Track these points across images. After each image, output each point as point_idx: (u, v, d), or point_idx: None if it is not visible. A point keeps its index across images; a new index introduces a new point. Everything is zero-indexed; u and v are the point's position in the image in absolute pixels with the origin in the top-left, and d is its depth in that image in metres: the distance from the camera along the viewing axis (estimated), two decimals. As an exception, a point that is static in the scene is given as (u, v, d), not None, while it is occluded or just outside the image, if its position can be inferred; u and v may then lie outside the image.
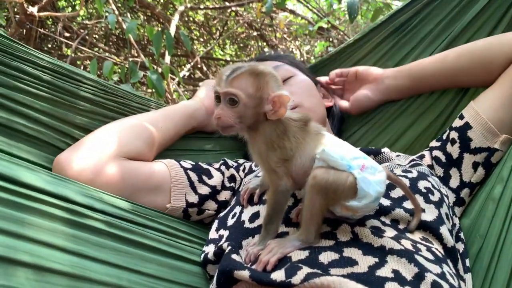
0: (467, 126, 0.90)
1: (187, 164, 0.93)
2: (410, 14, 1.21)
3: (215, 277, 0.68)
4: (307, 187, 0.64)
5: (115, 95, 0.98)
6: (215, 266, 0.73)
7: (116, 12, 3.02)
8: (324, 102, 1.14)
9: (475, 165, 0.89)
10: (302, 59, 3.81)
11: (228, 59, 3.93)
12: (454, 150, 0.92)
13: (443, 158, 0.93)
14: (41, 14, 2.31)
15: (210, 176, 0.93)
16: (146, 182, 0.85)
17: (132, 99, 1.02)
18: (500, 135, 0.87)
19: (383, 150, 0.95)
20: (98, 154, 0.82)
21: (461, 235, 0.82)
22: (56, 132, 0.85)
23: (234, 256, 0.67)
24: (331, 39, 3.39)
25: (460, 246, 0.79)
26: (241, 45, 4.00)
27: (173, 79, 2.95)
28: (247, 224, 0.75)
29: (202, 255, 0.78)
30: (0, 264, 0.48)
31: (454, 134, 0.93)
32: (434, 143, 0.99)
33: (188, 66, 3.46)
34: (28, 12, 2.22)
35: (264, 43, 3.84)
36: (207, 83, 1.14)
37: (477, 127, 0.89)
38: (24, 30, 2.79)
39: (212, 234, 0.82)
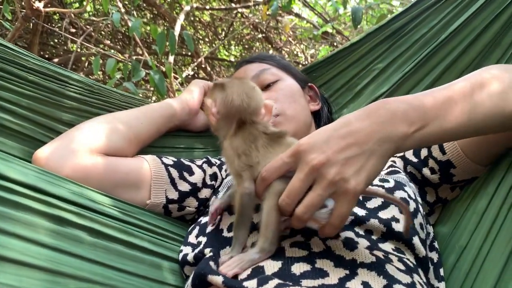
0: (449, 165, 0.84)
1: (169, 160, 0.93)
2: (407, 19, 1.23)
3: (190, 278, 0.69)
4: (266, 194, 0.65)
5: (101, 95, 1.00)
6: (193, 268, 0.74)
7: (122, 10, 3.05)
8: (310, 107, 1.12)
9: (453, 188, 0.87)
10: (306, 62, 3.83)
11: (233, 60, 3.95)
12: (433, 178, 0.86)
13: (419, 176, 0.89)
14: (47, 9, 2.34)
15: (191, 173, 0.93)
16: (126, 178, 0.85)
17: (118, 98, 1.04)
18: (485, 168, 0.81)
19: None
20: (76, 149, 0.82)
21: (435, 244, 0.82)
22: (42, 128, 0.87)
23: (211, 263, 0.67)
24: (335, 44, 3.40)
25: (435, 256, 0.79)
26: (246, 46, 4.02)
27: (176, 78, 2.98)
28: (225, 233, 0.75)
29: (181, 255, 0.78)
30: None
31: (433, 164, 0.86)
32: (409, 155, 0.91)
33: (193, 65, 3.49)
34: (34, 7, 2.25)
35: (269, 45, 3.86)
36: (195, 83, 1.14)
37: (462, 167, 0.83)
38: (31, 24, 2.83)
39: (192, 239, 0.82)
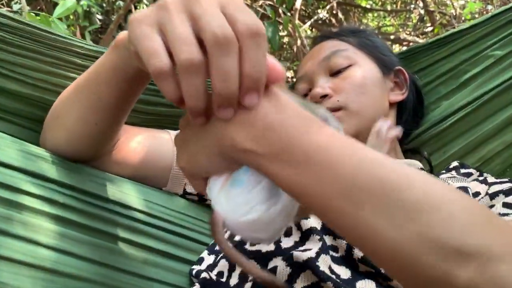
0: None
1: None
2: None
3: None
4: None
5: None
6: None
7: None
8: (390, 96, 0.94)
9: None
10: (454, 13, 3.33)
11: (368, 7, 3.62)
12: None
13: None
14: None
15: None
16: (148, 167, 0.77)
17: None
18: None
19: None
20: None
21: None
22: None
23: None
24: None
25: None
26: (386, -9, 3.64)
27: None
28: (247, 246, 0.69)
29: (195, 269, 0.72)
30: None
31: None
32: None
33: (322, 11, 3.29)
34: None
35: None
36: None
37: None
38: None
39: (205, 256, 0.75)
